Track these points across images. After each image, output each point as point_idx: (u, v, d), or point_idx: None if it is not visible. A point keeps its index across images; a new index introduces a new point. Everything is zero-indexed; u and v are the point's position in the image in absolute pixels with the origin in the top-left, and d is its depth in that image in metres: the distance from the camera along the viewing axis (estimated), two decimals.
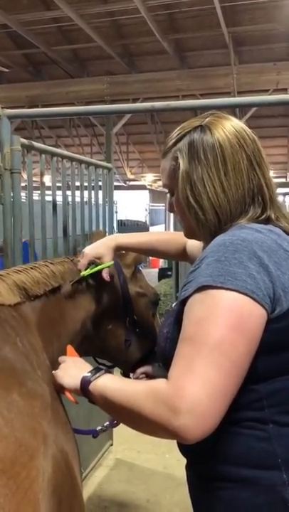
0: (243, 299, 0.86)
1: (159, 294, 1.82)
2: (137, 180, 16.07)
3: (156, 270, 10.95)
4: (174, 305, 1.13)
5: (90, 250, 1.45)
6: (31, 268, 1.30)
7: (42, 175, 2.33)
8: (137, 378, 1.63)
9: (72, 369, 1.07)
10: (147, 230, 15.38)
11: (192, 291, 0.91)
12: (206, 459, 0.95)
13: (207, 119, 1.05)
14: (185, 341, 0.88)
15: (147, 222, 15.87)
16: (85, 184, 2.76)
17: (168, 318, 1.09)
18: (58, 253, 2.45)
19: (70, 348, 1.19)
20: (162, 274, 9.77)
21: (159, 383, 0.88)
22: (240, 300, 0.86)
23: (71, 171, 2.70)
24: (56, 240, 2.40)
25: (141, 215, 15.60)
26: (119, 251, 1.54)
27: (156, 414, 0.84)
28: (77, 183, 2.70)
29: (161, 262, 11.89)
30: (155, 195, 18.17)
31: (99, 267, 1.42)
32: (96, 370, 1.02)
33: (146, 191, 17.19)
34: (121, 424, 1.29)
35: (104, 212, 3.10)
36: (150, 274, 13.43)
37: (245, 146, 1.01)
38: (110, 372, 1.02)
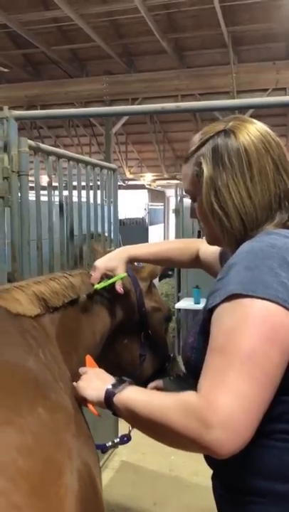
0: (274, 308, 0.83)
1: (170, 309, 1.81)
2: (135, 180, 16.04)
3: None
4: (199, 315, 1.11)
5: (102, 263, 1.42)
6: (50, 279, 1.29)
7: (50, 176, 2.31)
8: None
9: (95, 381, 1.05)
10: (146, 228, 15.35)
11: (221, 299, 0.89)
12: (236, 471, 0.93)
13: (231, 123, 1.02)
14: (215, 352, 0.86)
15: (146, 221, 15.83)
16: (90, 184, 2.75)
17: (193, 328, 1.06)
18: (64, 254, 2.45)
19: (89, 359, 1.17)
20: (163, 273, 9.69)
21: (189, 396, 0.86)
22: (272, 309, 0.83)
23: (77, 172, 2.69)
24: (63, 241, 2.39)
25: (140, 215, 15.53)
26: (131, 263, 1.51)
27: (188, 428, 0.82)
28: (83, 183, 2.69)
29: None
30: (154, 195, 18.14)
31: (112, 280, 1.40)
32: (119, 382, 1.00)
33: (145, 191, 17.15)
34: (125, 425, 1.28)
35: (109, 212, 3.10)
36: None
37: (270, 151, 0.99)
38: (133, 384, 1.00)
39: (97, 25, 9.01)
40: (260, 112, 9.76)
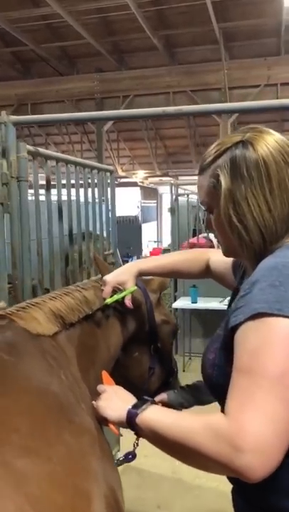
0: None
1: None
2: (128, 178, 15.99)
3: None
4: (218, 330, 1.09)
5: (112, 277, 1.41)
6: (65, 294, 1.27)
7: (48, 181, 2.27)
8: None
9: (115, 400, 1.02)
10: (139, 226, 15.33)
11: (245, 318, 0.86)
12: (259, 490, 0.91)
13: (248, 134, 0.99)
14: (242, 373, 0.84)
15: (139, 218, 15.81)
16: (88, 184, 2.73)
17: (213, 344, 1.04)
18: (63, 259, 2.43)
19: (105, 375, 1.15)
20: None
21: (218, 419, 0.84)
22: None
23: (75, 175, 2.66)
24: (63, 244, 2.37)
25: (133, 212, 15.52)
26: (141, 276, 1.50)
27: (218, 452, 0.80)
28: (81, 181, 2.68)
29: None
30: (146, 192, 18.11)
31: (122, 294, 1.39)
32: (142, 402, 0.98)
33: (138, 188, 17.11)
34: (127, 437, 1.27)
35: (107, 214, 3.10)
36: None
37: None
38: (156, 403, 0.98)
39: (87, 22, 8.94)
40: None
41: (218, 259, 1.38)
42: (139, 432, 0.95)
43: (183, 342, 5.40)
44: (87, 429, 0.91)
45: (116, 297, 1.38)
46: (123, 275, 1.41)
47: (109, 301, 1.36)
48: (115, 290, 1.40)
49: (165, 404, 1.73)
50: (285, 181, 0.95)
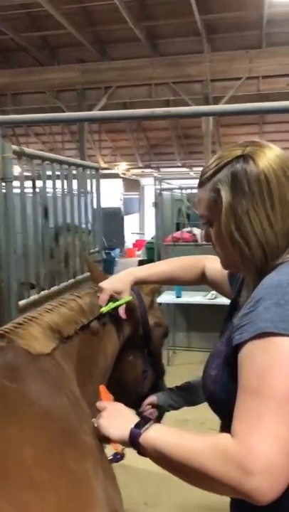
0: None
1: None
2: (110, 169, 15.89)
3: (134, 260, 10.88)
4: (218, 344, 1.08)
5: (109, 285, 1.38)
6: (60, 304, 1.24)
7: (34, 180, 2.24)
8: (143, 411, 1.61)
9: (116, 418, 0.99)
10: (122, 217, 15.29)
11: (250, 336, 0.86)
12: (260, 509, 0.92)
13: (248, 148, 0.98)
14: (249, 394, 0.83)
15: (122, 210, 15.76)
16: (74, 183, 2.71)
17: (214, 359, 1.03)
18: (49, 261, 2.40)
19: (103, 390, 1.13)
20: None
21: (225, 440, 0.83)
22: None
23: (60, 172, 2.63)
24: (50, 250, 2.34)
25: (115, 204, 15.47)
26: (137, 285, 1.48)
27: (226, 475, 0.79)
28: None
29: (139, 253, 11.84)
30: (128, 184, 18.03)
31: (117, 303, 1.37)
32: (145, 421, 0.96)
33: (120, 180, 17.02)
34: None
35: (92, 209, 3.10)
36: (126, 265, 13.36)
37: None
38: (158, 422, 0.98)
39: (68, 12, 8.79)
40: (233, 100, 9.77)
41: (213, 267, 1.37)
42: (143, 451, 0.93)
43: (166, 345, 5.43)
44: (90, 453, 0.90)
45: (111, 306, 1.36)
46: (119, 283, 1.39)
47: (104, 309, 1.34)
48: (111, 298, 1.38)
49: (155, 406, 1.74)
50: (285, 196, 0.95)
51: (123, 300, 1.38)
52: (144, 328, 1.53)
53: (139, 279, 1.42)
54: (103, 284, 1.39)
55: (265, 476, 0.77)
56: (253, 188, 0.94)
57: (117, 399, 1.30)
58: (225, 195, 0.96)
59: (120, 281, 1.40)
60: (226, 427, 1.00)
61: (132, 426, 0.95)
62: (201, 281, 1.47)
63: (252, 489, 0.77)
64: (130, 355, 1.52)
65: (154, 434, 0.92)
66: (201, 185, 1.05)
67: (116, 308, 1.37)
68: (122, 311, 1.39)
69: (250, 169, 0.95)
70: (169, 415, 1.79)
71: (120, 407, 1.05)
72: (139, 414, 1.20)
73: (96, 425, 1.00)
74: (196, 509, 2.87)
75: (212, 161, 1.03)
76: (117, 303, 1.37)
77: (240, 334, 0.89)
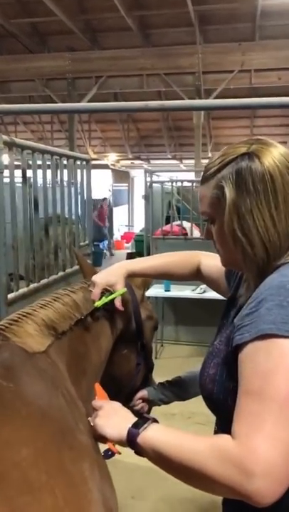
0: None
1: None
2: (99, 160, 15.78)
3: (123, 252, 10.84)
4: (216, 342, 1.07)
5: (101, 279, 1.35)
6: (54, 299, 1.22)
7: (24, 171, 2.20)
8: (133, 405, 1.60)
9: (113, 417, 0.97)
10: (111, 209, 15.21)
11: (252, 337, 0.85)
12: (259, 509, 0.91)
13: (254, 146, 0.96)
14: (251, 396, 0.82)
15: (111, 202, 15.68)
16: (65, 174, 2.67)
17: (212, 358, 1.02)
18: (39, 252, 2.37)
19: (98, 388, 1.11)
20: (131, 259, 9.66)
21: (225, 441, 0.82)
22: None
23: (51, 163, 2.59)
24: (40, 241, 2.31)
25: (104, 195, 15.37)
26: (130, 277, 1.45)
27: (226, 477, 0.78)
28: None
29: (128, 245, 11.81)
30: (118, 175, 17.93)
31: (112, 296, 1.34)
32: (143, 420, 0.94)
33: (109, 171, 16.92)
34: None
35: (82, 200, 3.07)
36: (115, 257, 13.33)
37: None
38: (156, 421, 0.95)
39: None
40: (225, 94, 9.75)
41: (209, 263, 1.35)
42: (141, 451, 0.91)
43: (155, 338, 5.43)
44: (87, 453, 0.89)
45: (106, 300, 1.33)
46: (112, 276, 1.36)
47: (99, 303, 1.31)
48: (104, 292, 1.35)
49: (145, 400, 1.73)
50: None
51: (117, 292, 1.35)
52: (137, 321, 1.52)
53: (131, 271, 1.40)
54: (95, 278, 1.36)
55: (266, 478, 0.76)
56: (258, 187, 0.93)
57: (110, 393, 1.29)
58: (229, 192, 0.95)
59: (113, 274, 1.37)
60: (223, 425, 1.00)
61: (130, 425, 0.93)
62: (195, 277, 1.45)
63: (253, 491, 0.77)
64: (124, 348, 1.50)
65: (153, 434, 0.90)
66: (204, 181, 1.04)
67: (110, 302, 1.34)
68: (118, 304, 1.36)
69: (255, 167, 0.93)
70: (156, 409, 1.79)
71: (116, 405, 1.03)
72: (130, 408, 1.18)
73: (92, 424, 0.98)
74: (182, 502, 2.88)
75: (216, 157, 1.01)
76: (111, 296, 1.34)
77: (241, 335, 0.88)
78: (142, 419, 0.95)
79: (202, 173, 1.06)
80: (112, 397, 1.50)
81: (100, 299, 1.32)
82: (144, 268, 1.43)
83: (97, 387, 1.11)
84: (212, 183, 1.00)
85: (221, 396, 0.96)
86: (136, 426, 0.93)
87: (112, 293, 1.35)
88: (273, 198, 0.92)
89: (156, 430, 0.91)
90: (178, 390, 1.75)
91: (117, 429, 0.94)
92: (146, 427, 0.92)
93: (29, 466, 0.75)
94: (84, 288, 1.37)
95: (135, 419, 0.96)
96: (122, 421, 0.96)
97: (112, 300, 1.34)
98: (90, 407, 1.05)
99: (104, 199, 14.52)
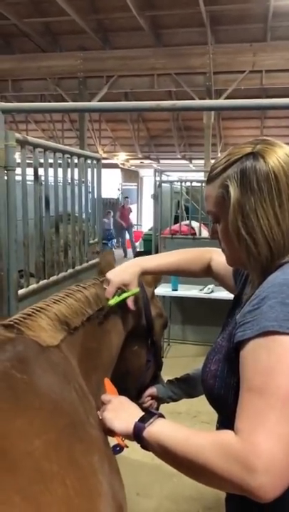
0: None
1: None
2: (109, 159, 15.82)
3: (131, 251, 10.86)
4: (218, 339, 1.09)
5: (116, 277, 1.35)
6: (67, 295, 1.24)
7: (36, 169, 2.23)
8: (143, 402, 1.62)
9: (121, 411, 1.00)
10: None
11: (254, 334, 0.86)
12: (264, 507, 0.89)
13: (258, 146, 0.98)
14: (253, 393, 0.84)
15: (120, 200, 15.71)
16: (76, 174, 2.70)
17: (214, 354, 1.04)
18: (49, 249, 2.40)
19: (108, 383, 1.13)
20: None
21: (228, 437, 0.83)
22: None
23: (62, 162, 2.61)
24: (50, 239, 2.34)
25: (114, 195, 15.42)
26: (144, 275, 1.46)
27: (229, 472, 0.80)
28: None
29: (137, 244, 11.81)
30: (127, 175, 17.96)
31: (125, 295, 1.35)
32: (149, 415, 0.96)
33: (119, 170, 16.94)
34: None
35: (92, 199, 3.09)
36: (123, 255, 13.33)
37: None
38: (163, 416, 0.96)
39: None
40: (235, 94, 9.73)
41: (220, 261, 1.35)
42: (147, 445, 0.93)
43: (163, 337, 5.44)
44: (97, 447, 0.91)
45: (119, 299, 1.33)
46: (127, 275, 1.36)
47: (112, 302, 1.32)
48: (117, 290, 1.36)
49: (154, 397, 1.76)
50: None
51: (131, 292, 1.36)
52: (147, 318, 1.54)
53: (146, 269, 1.40)
54: (110, 276, 1.36)
55: (269, 474, 0.78)
56: (262, 186, 0.94)
57: (120, 389, 1.31)
58: (233, 191, 0.96)
59: (128, 272, 1.37)
60: (224, 421, 1.02)
61: (137, 420, 0.95)
62: (207, 273, 1.46)
63: (255, 487, 0.78)
64: (134, 345, 1.52)
65: (158, 429, 0.92)
66: (209, 181, 1.06)
67: (124, 301, 1.35)
68: (130, 303, 1.37)
69: (260, 167, 0.95)
70: (163, 408, 1.81)
71: (125, 400, 1.05)
72: (139, 406, 1.20)
73: (101, 418, 1.01)
74: (187, 499, 2.90)
75: (222, 157, 1.03)
76: (125, 295, 1.35)
77: (243, 331, 0.89)
78: (149, 413, 0.97)
79: (208, 173, 1.08)
80: (122, 393, 1.52)
81: (113, 297, 1.33)
82: (158, 266, 1.44)
83: (107, 382, 1.13)
84: (217, 183, 1.02)
85: (222, 391, 0.97)
86: (142, 420, 0.95)
87: (125, 291, 1.35)
88: (277, 197, 0.94)
89: (162, 425, 0.93)
90: (187, 387, 1.78)
91: (125, 423, 0.96)
92: (152, 421, 0.94)
93: (41, 456, 0.76)
94: (96, 284, 1.38)
95: (142, 413, 0.97)
96: (129, 415, 0.98)
97: (125, 299, 1.35)
98: (99, 402, 1.07)
99: (126, 198, 14.58)
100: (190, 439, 0.88)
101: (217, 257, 1.41)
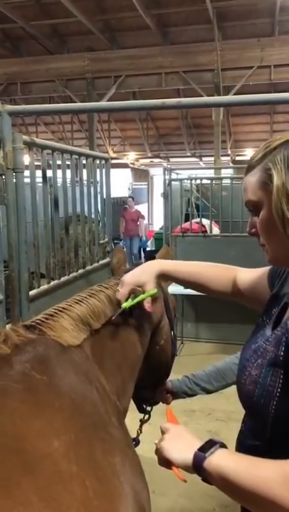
0: None
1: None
2: (119, 159, 15.85)
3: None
4: (261, 341, 1.00)
5: (131, 277, 1.28)
6: (89, 295, 1.24)
7: (44, 171, 2.24)
8: (157, 396, 1.62)
9: (179, 441, 0.94)
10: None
11: None
12: None
13: None
14: None
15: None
16: (84, 174, 2.71)
17: (256, 358, 0.97)
18: (59, 250, 2.42)
19: (170, 413, 1.10)
20: (149, 256, 9.65)
21: None
22: None
23: (71, 162, 2.63)
24: (61, 240, 2.35)
25: (125, 194, 15.42)
26: (162, 277, 1.34)
27: None
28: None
29: (148, 243, 11.80)
30: (137, 174, 17.98)
31: (141, 297, 1.26)
32: (209, 444, 0.89)
33: (129, 170, 16.96)
34: (132, 424, 1.25)
35: (102, 199, 3.10)
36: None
37: None
38: (224, 446, 0.90)
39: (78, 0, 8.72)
40: (244, 90, 9.67)
41: (246, 276, 1.27)
42: (208, 477, 0.87)
43: (175, 327, 5.43)
44: (118, 448, 0.91)
45: (133, 302, 1.26)
46: (143, 275, 1.28)
47: (126, 305, 1.24)
48: (133, 292, 1.28)
49: (169, 391, 1.76)
50: None
51: (147, 293, 1.27)
52: (169, 313, 1.54)
53: (165, 271, 1.31)
54: (125, 277, 1.29)
55: None
56: None
57: (149, 386, 1.28)
58: (277, 175, 0.92)
59: (144, 272, 1.29)
60: (257, 428, 0.95)
61: (196, 449, 0.89)
62: (231, 293, 1.31)
63: None
64: (160, 340, 1.51)
65: (220, 459, 0.86)
66: (248, 170, 1.01)
67: (139, 303, 1.28)
68: (148, 305, 1.29)
69: None
70: (177, 406, 1.81)
71: (183, 430, 0.99)
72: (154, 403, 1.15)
73: (158, 447, 0.96)
74: (202, 497, 2.90)
75: (261, 147, 1.00)
76: (141, 297, 1.27)
77: None
78: (209, 443, 0.90)
79: (247, 164, 1.03)
80: (149, 389, 1.52)
81: (127, 299, 1.26)
82: (178, 271, 1.32)
83: (169, 411, 1.10)
84: (258, 168, 0.98)
85: (262, 400, 0.92)
86: (202, 450, 0.89)
87: (141, 293, 1.28)
88: None
89: (224, 455, 0.87)
90: (203, 383, 1.78)
91: (183, 454, 0.91)
92: (213, 451, 0.87)
93: (60, 457, 0.76)
94: (118, 284, 1.34)
95: (201, 443, 0.91)
96: (188, 445, 0.92)
97: (141, 301, 1.28)
98: (125, 402, 1.05)
99: (130, 198, 12.65)
100: (255, 472, 0.82)
101: (243, 274, 1.30)
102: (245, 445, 1.02)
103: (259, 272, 1.23)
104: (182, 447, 0.92)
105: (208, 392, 1.81)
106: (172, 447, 0.93)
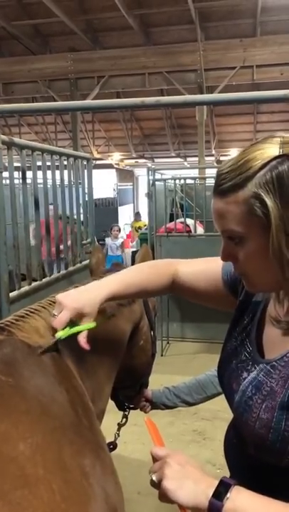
0: None
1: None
2: (103, 160, 15.81)
3: (128, 251, 10.84)
4: (263, 377, 0.90)
5: (71, 303, 1.06)
6: None
7: (24, 171, 2.22)
8: (136, 403, 1.62)
9: (184, 479, 0.81)
10: (116, 208, 15.24)
11: None
12: None
13: (286, 146, 0.80)
14: None
15: (117, 201, 15.71)
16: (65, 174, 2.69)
17: (262, 399, 0.88)
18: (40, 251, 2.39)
19: (150, 422, 0.95)
20: (133, 257, 9.55)
21: None
22: None
23: (51, 163, 2.61)
24: (42, 240, 2.33)
25: (110, 195, 15.39)
26: (110, 300, 1.16)
27: None
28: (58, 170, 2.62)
29: (133, 244, 11.80)
30: (122, 175, 17.95)
31: (78, 329, 1.08)
32: (223, 487, 0.79)
33: (114, 170, 16.94)
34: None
35: (84, 199, 3.08)
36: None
37: None
38: (237, 484, 0.80)
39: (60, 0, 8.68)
40: (228, 89, 9.72)
41: (188, 271, 1.18)
42: None
43: (161, 327, 5.42)
44: (89, 449, 0.89)
45: (69, 332, 1.06)
46: (88, 304, 1.08)
47: (61, 335, 1.04)
48: (71, 320, 1.08)
49: (148, 400, 1.75)
50: None
51: (86, 326, 1.09)
52: (148, 312, 1.53)
53: (114, 294, 1.13)
54: (64, 300, 1.07)
55: None
56: None
57: (126, 386, 1.26)
58: (273, 205, 0.78)
59: (90, 298, 1.09)
60: (271, 466, 0.89)
61: (211, 495, 0.79)
62: (169, 289, 1.22)
63: None
64: (140, 340, 1.50)
65: (238, 505, 0.78)
66: (223, 194, 0.84)
67: (75, 335, 1.09)
68: (83, 341, 1.08)
69: None
70: None
71: (184, 461, 0.84)
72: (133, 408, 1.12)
73: (155, 480, 0.83)
74: None
75: (234, 163, 0.83)
76: (78, 328, 1.08)
77: None
78: (222, 485, 0.80)
79: (216, 183, 0.86)
80: (127, 389, 1.50)
81: (64, 328, 1.06)
82: (127, 286, 1.17)
83: (149, 421, 0.96)
84: (241, 196, 0.81)
85: (278, 445, 0.84)
86: (218, 496, 0.78)
87: (78, 324, 1.09)
88: None
89: (242, 499, 0.79)
90: (184, 395, 1.78)
91: (193, 495, 0.79)
92: (228, 496, 0.78)
93: (26, 460, 0.75)
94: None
95: (209, 479, 0.81)
96: (196, 484, 0.80)
97: (78, 333, 1.09)
98: (101, 404, 1.03)
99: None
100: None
101: (183, 269, 1.20)
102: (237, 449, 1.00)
103: (202, 266, 1.16)
104: (189, 488, 0.80)
105: (189, 404, 1.81)
106: (178, 488, 0.80)
